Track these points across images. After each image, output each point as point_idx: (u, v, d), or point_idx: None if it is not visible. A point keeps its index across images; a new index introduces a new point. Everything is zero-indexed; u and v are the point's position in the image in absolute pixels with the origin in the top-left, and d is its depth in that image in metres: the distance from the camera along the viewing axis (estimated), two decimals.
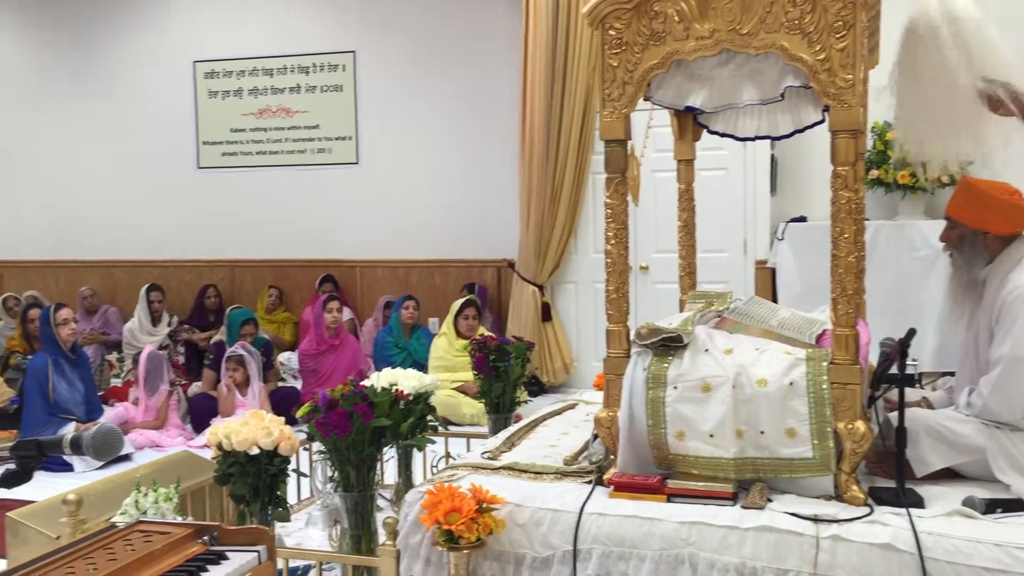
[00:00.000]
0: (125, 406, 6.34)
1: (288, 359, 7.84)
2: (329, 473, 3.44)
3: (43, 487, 4.41)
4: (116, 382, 7.80)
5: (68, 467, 5.32)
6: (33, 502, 3.50)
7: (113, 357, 8.21)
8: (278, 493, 3.22)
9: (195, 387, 6.90)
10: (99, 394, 6.70)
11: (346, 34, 8.29)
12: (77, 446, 1.91)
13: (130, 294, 8.70)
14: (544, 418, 3.88)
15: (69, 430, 5.71)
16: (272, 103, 8.55)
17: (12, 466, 1.91)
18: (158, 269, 8.88)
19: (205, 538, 1.97)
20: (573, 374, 7.57)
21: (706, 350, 2.88)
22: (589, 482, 2.91)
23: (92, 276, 9.04)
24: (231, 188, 8.68)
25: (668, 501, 2.74)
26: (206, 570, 1.83)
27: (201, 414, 6.27)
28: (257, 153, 8.63)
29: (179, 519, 2.80)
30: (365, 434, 3.21)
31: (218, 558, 1.90)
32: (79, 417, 5.93)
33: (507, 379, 4.47)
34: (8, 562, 3.20)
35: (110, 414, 6.25)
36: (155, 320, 8.34)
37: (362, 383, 3.56)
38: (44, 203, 9.16)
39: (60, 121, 9.06)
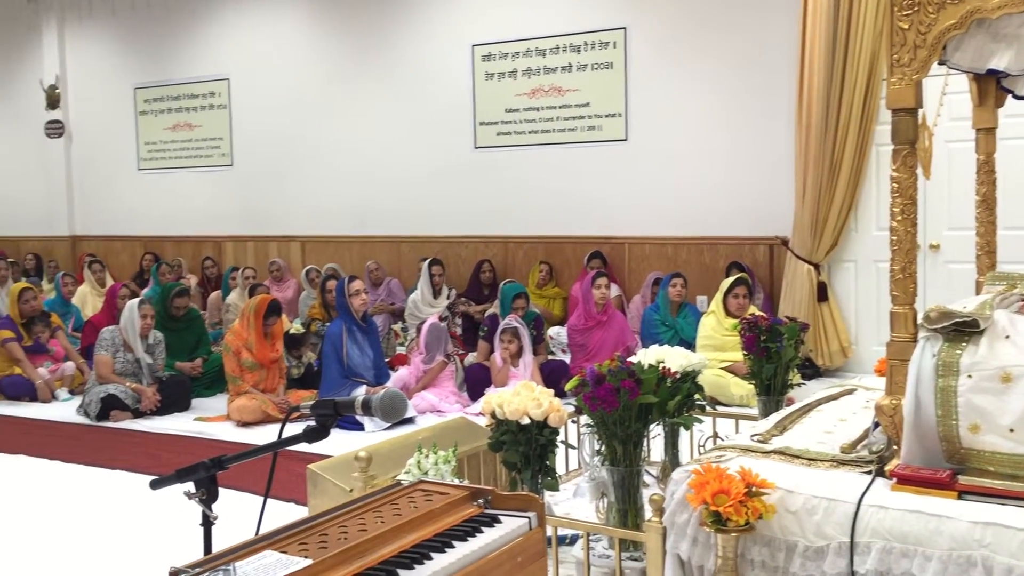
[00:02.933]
0: (409, 370, 6.77)
1: (557, 333, 8.04)
2: (596, 447, 3.49)
3: (339, 444, 4.82)
4: (400, 350, 8.38)
5: (360, 426, 5.78)
6: (330, 457, 3.84)
7: (398, 327, 8.81)
8: (547, 463, 3.31)
9: (471, 357, 7.25)
10: (386, 360, 7.22)
11: (617, 10, 8.30)
12: (367, 408, 2.07)
13: (414, 267, 9.28)
14: (819, 402, 3.70)
15: (360, 393, 6.17)
16: (544, 83, 8.75)
17: (312, 423, 2.11)
18: (438, 244, 9.39)
19: (480, 501, 2.06)
20: (851, 358, 7.19)
21: (1007, 336, 2.61)
22: (868, 472, 2.75)
23: (381, 250, 9.73)
24: (505, 167, 8.99)
25: (959, 498, 2.53)
26: (481, 531, 1.92)
27: (476, 383, 6.59)
28: (530, 132, 8.87)
29: (456, 481, 2.96)
30: (632, 410, 3.22)
31: (491, 521, 1.98)
32: (369, 381, 6.42)
33: (779, 361, 4.30)
34: (309, 509, 3.53)
35: (394, 378, 6.72)
36: (435, 293, 8.83)
37: (629, 359, 3.58)
38: (340, 183, 9.95)
39: (352, 107, 9.80)
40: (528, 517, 2.00)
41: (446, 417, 5.58)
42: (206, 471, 1.97)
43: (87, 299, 9.75)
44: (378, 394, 2.09)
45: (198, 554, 1.82)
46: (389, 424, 5.49)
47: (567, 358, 7.37)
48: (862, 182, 7.00)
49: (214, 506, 2.00)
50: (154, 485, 2.12)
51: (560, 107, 8.69)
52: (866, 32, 6.66)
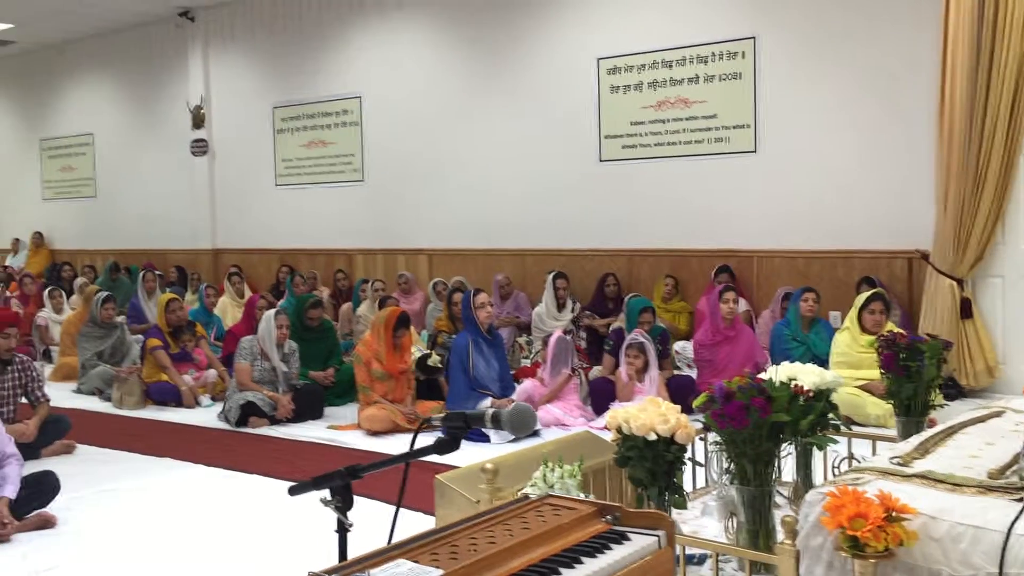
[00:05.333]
0: (533, 383, 6.79)
1: (683, 348, 7.92)
2: (725, 465, 3.42)
3: (465, 455, 4.87)
4: (525, 363, 8.42)
5: (485, 438, 5.83)
6: (457, 468, 3.89)
7: (523, 340, 8.85)
8: (675, 480, 3.26)
9: (595, 371, 7.22)
10: (511, 372, 7.26)
11: (746, 20, 8.15)
12: (497, 421, 2.09)
13: (539, 280, 9.32)
14: (964, 425, 3.53)
15: (485, 405, 6.27)
16: (671, 95, 8.66)
17: (442, 435, 2.14)
18: (563, 257, 9.41)
19: (608, 517, 2.04)
20: (998, 378, 6.82)
21: None
22: (1019, 500, 2.60)
23: (506, 263, 9.82)
24: (630, 180, 8.94)
25: None
26: (610, 548, 1.90)
27: (601, 397, 6.55)
28: (655, 145, 8.79)
29: (582, 495, 2.95)
30: (763, 428, 3.14)
31: (620, 538, 1.95)
32: (495, 393, 6.48)
33: (920, 380, 4.12)
34: (437, 520, 3.58)
35: (519, 390, 6.75)
36: (560, 306, 8.85)
37: (759, 376, 3.49)
38: (466, 197, 10.10)
39: (478, 121, 9.94)
40: (658, 536, 1.97)
41: (571, 431, 5.57)
42: (342, 479, 2.03)
43: (228, 309, 10.19)
44: (508, 408, 2.11)
45: (332, 560, 1.87)
46: (515, 437, 5.53)
47: (693, 373, 7.26)
48: (1010, 193, 6.65)
49: (348, 513, 2.05)
50: (292, 492, 2.19)
51: (687, 119, 8.59)
52: (1013, 37, 6.33)
